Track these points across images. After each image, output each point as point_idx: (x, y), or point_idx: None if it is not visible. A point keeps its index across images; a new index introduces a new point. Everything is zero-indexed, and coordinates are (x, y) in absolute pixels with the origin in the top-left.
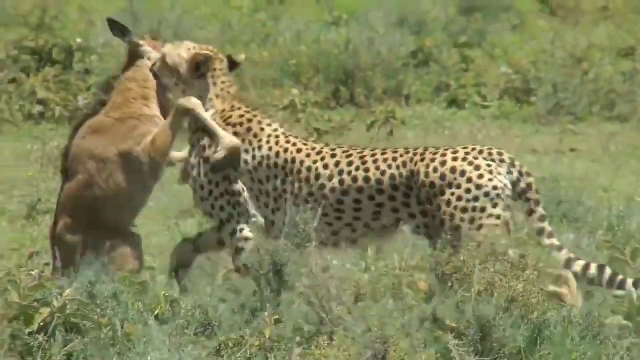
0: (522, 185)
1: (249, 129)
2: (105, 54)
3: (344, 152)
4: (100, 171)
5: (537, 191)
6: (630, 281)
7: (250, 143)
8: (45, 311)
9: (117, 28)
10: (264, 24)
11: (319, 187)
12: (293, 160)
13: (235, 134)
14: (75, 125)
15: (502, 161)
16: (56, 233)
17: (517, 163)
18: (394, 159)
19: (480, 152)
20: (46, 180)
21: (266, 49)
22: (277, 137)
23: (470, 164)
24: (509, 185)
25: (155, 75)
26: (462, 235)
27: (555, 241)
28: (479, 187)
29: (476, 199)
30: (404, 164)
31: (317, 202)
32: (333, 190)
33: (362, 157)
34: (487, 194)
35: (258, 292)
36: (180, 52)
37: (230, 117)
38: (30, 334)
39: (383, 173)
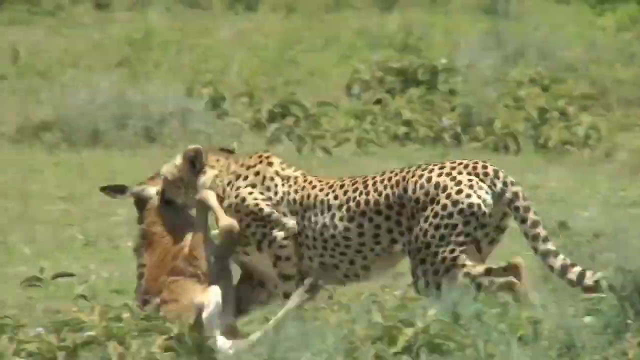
0: (508, 195)
1: (270, 164)
2: (470, 75)
3: (351, 181)
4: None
5: (526, 198)
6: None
7: (272, 179)
8: (409, 331)
9: (113, 190)
10: (629, 42)
11: (330, 217)
12: (308, 196)
13: (258, 172)
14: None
15: (485, 174)
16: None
17: (501, 174)
18: (389, 179)
19: (466, 166)
20: None
21: (630, 68)
22: (296, 177)
23: (453, 179)
24: (489, 201)
25: (168, 202)
26: (431, 252)
27: (550, 246)
28: (455, 203)
29: (450, 215)
30: (397, 183)
31: (329, 232)
32: (341, 218)
33: (364, 183)
34: (460, 211)
35: (621, 313)
36: (175, 163)
37: (249, 162)
38: (394, 354)
39: (380, 194)
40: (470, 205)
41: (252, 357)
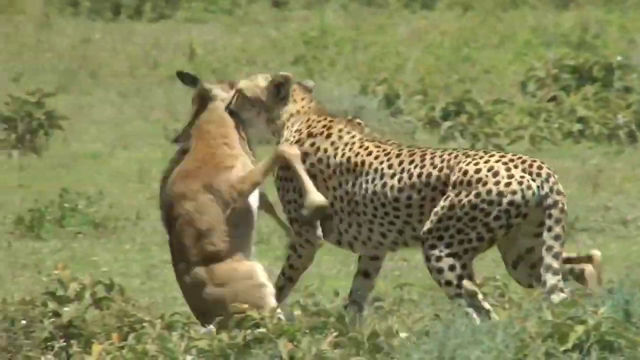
0: (550, 201)
1: (329, 136)
2: None
3: (409, 152)
4: (196, 211)
5: (563, 211)
6: None
7: (326, 151)
8: (580, 329)
9: (186, 79)
10: None
11: (381, 185)
12: (362, 163)
13: (314, 143)
14: (162, 176)
15: (538, 175)
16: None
17: (552, 179)
18: (442, 157)
19: (523, 162)
20: (584, 198)
21: None
22: (352, 143)
23: (508, 169)
24: (532, 203)
25: (232, 113)
26: (442, 227)
27: (555, 263)
28: (500, 193)
29: (491, 203)
30: (449, 161)
31: (380, 200)
32: (392, 187)
33: (422, 155)
34: (500, 203)
35: None
36: (258, 83)
37: (315, 127)
38: (565, 351)
39: (434, 167)
40: (511, 202)
41: (423, 354)
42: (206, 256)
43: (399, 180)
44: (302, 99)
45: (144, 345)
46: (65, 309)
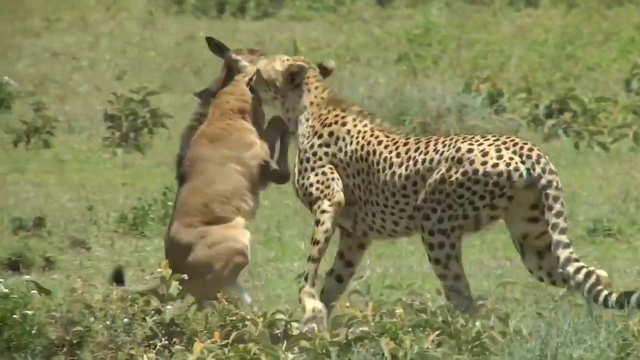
0: (543, 181)
1: (344, 124)
2: None
3: (416, 140)
4: (217, 174)
5: (558, 188)
6: (613, 297)
7: (344, 139)
8: None
9: (215, 45)
10: None
11: (391, 174)
12: (374, 152)
13: (332, 132)
14: (183, 134)
15: (528, 157)
16: (169, 234)
17: (542, 160)
18: (444, 142)
19: (515, 144)
20: None
21: None
22: (365, 132)
23: (498, 150)
24: (519, 184)
25: (252, 89)
26: (435, 200)
27: (564, 238)
28: (475, 171)
29: (477, 182)
30: (449, 145)
31: (390, 190)
32: (400, 176)
33: (427, 142)
34: (486, 183)
35: None
36: (275, 66)
37: (327, 118)
38: None
39: (437, 152)
40: (496, 183)
41: (525, 352)
42: (210, 219)
43: (406, 168)
44: (316, 88)
45: (246, 344)
46: (168, 307)
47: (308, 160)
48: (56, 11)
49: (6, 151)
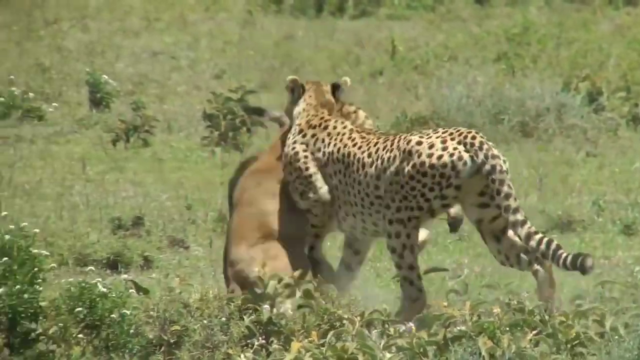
0: (487, 167)
1: (325, 127)
2: None
3: (384, 139)
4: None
5: (502, 171)
6: (569, 258)
7: (323, 141)
8: None
9: (252, 112)
10: None
11: (364, 175)
12: (349, 154)
13: (314, 135)
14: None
15: (471, 145)
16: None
17: (485, 146)
18: (406, 138)
19: (460, 134)
20: None
21: None
22: (343, 134)
23: (444, 142)
24: (464, 174)
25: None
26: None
27: (519, 216)
28: (432, 166)
29: (424, 174)
30: (405, 141)
31: (364, 191)
32: (371, 175)
33: (392, 140)
34: (433, 175)
35: None
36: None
37: (313, 120)
38: None
39: (398, 148)
40: (442, 174)
41: (623, 352)
42: (267, 237)
43: (375, 168)
44: (310, 96)
45: (344, 343)
46: (265, 306)
47: (290, 161)
48: (155, 11)
49: (105, 150)
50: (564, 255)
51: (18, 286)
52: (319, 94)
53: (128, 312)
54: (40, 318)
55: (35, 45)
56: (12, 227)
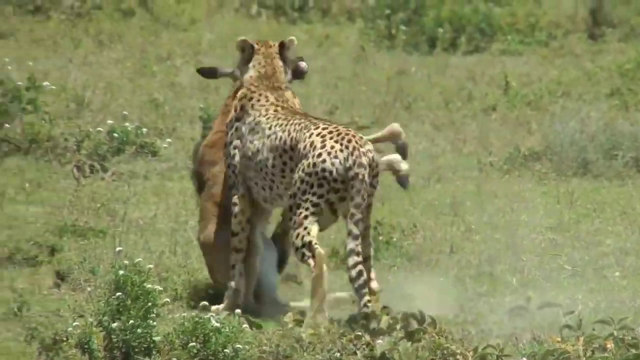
0: (352, 173)
1: (250, 99)
2: None
3: (286, 116)
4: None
5: (363, 182)
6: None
7: (247, 113)
8: None
9: (205, 72)
10: None
11: (261, 144)
12: (258, 123)
13: (243, 106)
14: (194, 148)
15: (346, 147)
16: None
17: (356, 152)
18: (299, 124)
19: (339, 133)
20: None
21: None
22: (265, 107)
23: (312, 143)
24: (341, 172)
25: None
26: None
27: (355, 229)
28: (315, 165)
29: (310, 175)
30: (300, 130)
31: (261, 161)
32: (266, 147)
33: (289, 120)
34: (316, 174)
35: None
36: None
37: (245, 94)
38: None
39: (289, 134)
40: (323, 170)
41: None
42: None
43: (271, 141)
44: (259, 63)
45: None
46: (378, 341)
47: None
48: None
49: None
50: (364, 297)
51: (132, 321)
52: (265, 61)
53: (241, 347)
54: (154, 353)
55: (148, 81)
56: (126, 262)
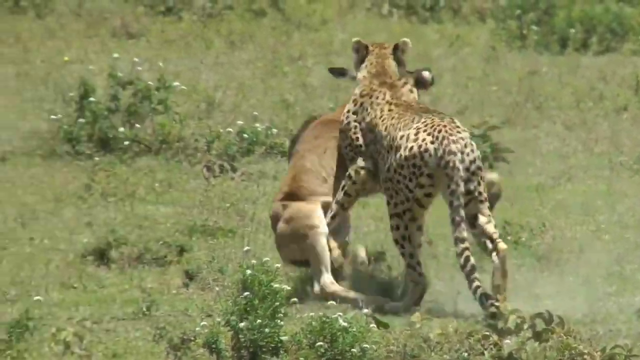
0: (443, 162)
1: (370, 96)
2: None
3: (399, 112)
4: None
5: (457, 168)
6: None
7: (366, 110)
8: None
9: (335, 72)
10: None
11: (380, 145)
12: (376, 125)
13: (362, 103)
14: (307, 119)
15: (437, 137)
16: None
17: (445, 141)
18: (405, 119)
19: (432, 125)
20: None
21: None
22: (380, 105)
23: (405, 135)
24: (431, 164)
25: None
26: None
27: (456, 217)
28: (400, 157)
29: (401, 166)
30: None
31: (384, 160)
32: (386, 148)
33: (400, 117)
34: (402, 166)
35: None
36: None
37: (364, 90)
38: None
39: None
40: (413, 164)
41: None
42: (293, 192)
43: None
44: (371, 63)
45: None
46: (506, 341)
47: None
48: None
49: None
50: (474, 283)
51: (259, 320)
52: (378, 60)
53: (368, 347)
54: (281, 352)
55: (279, 81)
56: (254, 261)
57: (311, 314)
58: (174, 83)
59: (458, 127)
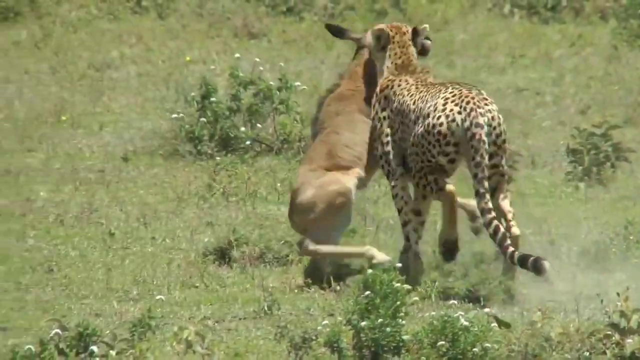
0: (469, 133)
1: (392, 87)
2: None
3: (427, 87)
4: (344, 124)
5: (482, 140)
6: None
7: (392, 100)
8: None
9: (333, 30)
10: None
11: (409, 119)
12: (406, 104)
13: (386, 96)
14: (319, 99)
15: (464, 108)
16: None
17: (473, 113)
18: (433, 91)
19: (460, 96)
20: None
21: None
22: (407, 89)
23: (434, 104)
24: (458, 134)
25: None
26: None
27: (481, 188)
28: (428, 125)
29: (428, 133)
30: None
31: (410, 131)
32: (414, 120)
33: (428, 90)
34: (428, 133)
35: None
36: (370, 31)
37: (387, 84)
38: None
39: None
40: (439, 132)
41: None
42: (331, 165)
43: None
44: (395, 54)
45: None
46: (628, 340)
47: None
48: (521, 48)
49: None
50: (508, 250)
51: (381, 319)
52: (400, 50)
53: (490, 346)
54: (403, 352)
55: None
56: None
57: (432, 313)
58: (295, 83)
59: (486, 99)
